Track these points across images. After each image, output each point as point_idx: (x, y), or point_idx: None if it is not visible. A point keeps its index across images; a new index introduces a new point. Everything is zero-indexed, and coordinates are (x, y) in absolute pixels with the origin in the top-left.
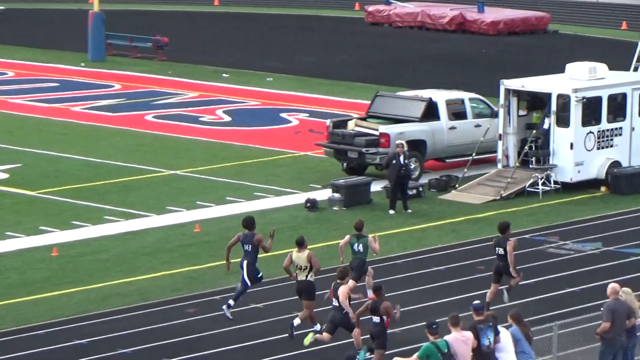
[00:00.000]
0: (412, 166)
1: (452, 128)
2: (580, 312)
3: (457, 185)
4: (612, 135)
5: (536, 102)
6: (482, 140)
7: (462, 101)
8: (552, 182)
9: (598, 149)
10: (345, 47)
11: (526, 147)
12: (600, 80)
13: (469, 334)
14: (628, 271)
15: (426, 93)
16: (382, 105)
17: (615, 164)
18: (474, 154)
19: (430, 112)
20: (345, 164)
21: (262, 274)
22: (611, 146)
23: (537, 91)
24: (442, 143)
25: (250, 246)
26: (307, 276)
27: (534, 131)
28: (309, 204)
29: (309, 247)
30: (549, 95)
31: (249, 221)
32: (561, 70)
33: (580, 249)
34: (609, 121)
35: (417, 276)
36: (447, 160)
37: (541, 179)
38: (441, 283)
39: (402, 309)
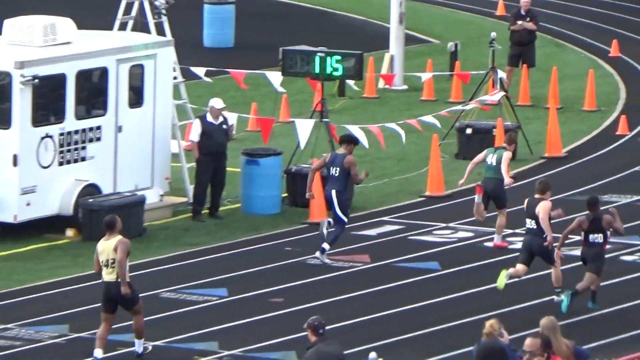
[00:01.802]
0: None
1: None
2: None
3: None
4: (85, 141)
5: None
6: None
7: None
8: None
9: (61, 164)
10: None
11: None
12: (63, 47)
13: None
14: None
15: None
16: None
17: (91, 189)
18: None
19: None
20: None
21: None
22: (83, 159)
23: None
24: None
25: (338, 170)
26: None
27: None
28: None
29: None
30: None
31: (348, 135)
32: None
33: (34, 338)
34: (79, 116)
35: None
36: None
37: None
38: None
39: None
